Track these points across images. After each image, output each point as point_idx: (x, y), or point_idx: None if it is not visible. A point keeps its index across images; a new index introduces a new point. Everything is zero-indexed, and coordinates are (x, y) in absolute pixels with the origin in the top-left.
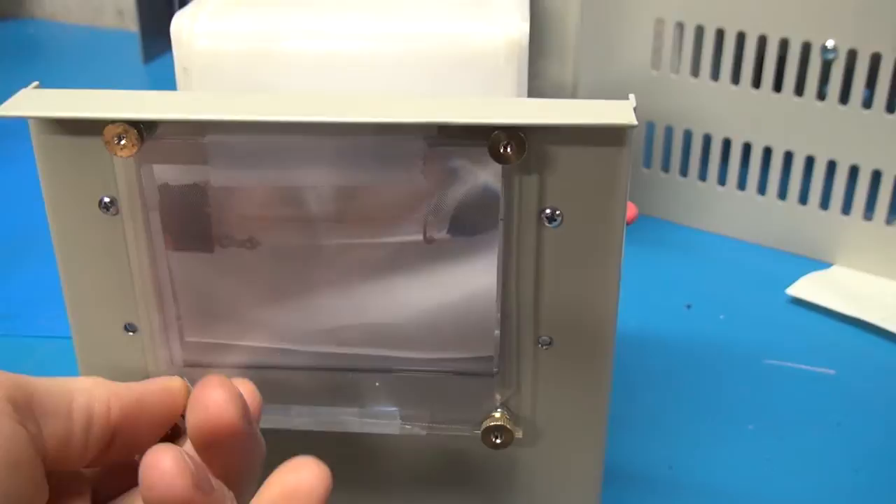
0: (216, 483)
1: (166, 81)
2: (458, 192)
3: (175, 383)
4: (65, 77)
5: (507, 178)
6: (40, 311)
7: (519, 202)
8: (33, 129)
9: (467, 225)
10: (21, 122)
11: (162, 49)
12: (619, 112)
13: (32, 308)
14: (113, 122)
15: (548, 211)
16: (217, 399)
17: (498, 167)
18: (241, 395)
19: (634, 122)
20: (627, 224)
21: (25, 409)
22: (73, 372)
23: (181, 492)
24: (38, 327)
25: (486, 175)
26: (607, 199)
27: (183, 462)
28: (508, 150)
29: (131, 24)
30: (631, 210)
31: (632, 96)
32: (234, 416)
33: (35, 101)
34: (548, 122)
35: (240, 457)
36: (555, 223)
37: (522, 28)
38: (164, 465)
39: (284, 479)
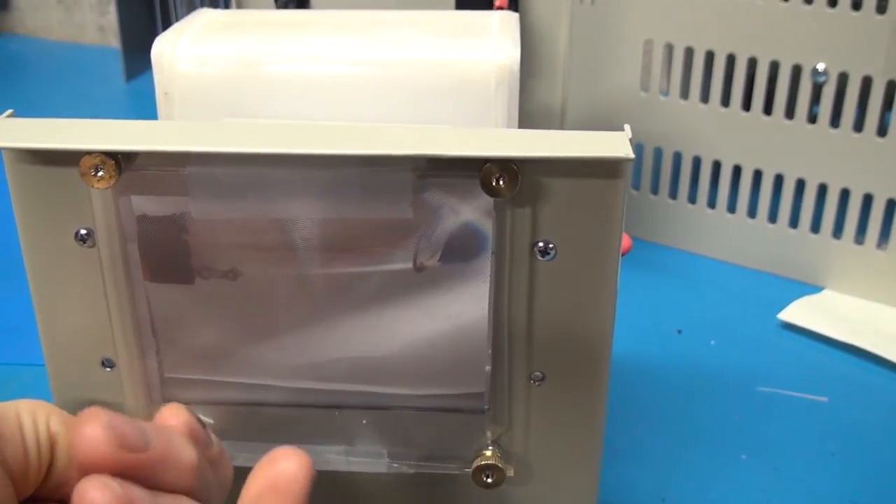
0: (158, 440)
1: (148, 98)
2: (447, 224)
3: None
4: (47, 94)
5: (498, 211)
6: (21, 337)
7: (511, 235)
8: (7, 160)
9: (456, 256)
10: None
11: (144, 67)
12: (615, 144)
13: (13, 335)
14: (89, 153)
15: (541, 244)
16: (88, 434)
17: (489, 200)
18: (117, 426)
19: (631, 154)
20: (622, 256)
21: None
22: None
23: (105, 453)
24: (16, 355)
25: (476, 207)
26: (602, 233)
27: (105, 427)
28: (501, 182)
29: (113, 40)
30: (625, 241)
31: (627, 127)
32: (104, 451)
33: (9, 131)
34: (542, 154)
35: (173, 480)
36: (548, 257)
37: (513, 54)
38: (87, 430)
39: (267, 472)
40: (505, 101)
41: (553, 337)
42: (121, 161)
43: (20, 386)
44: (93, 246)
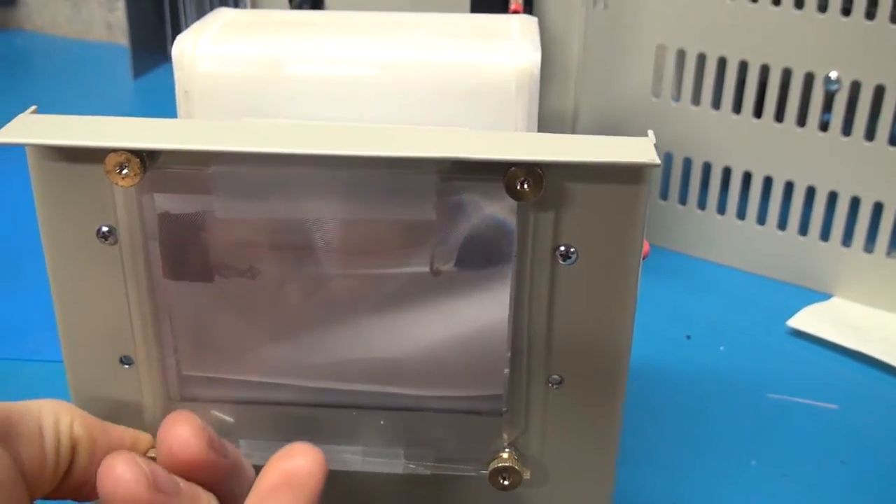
0: (185, 485)
1: (156, 95)
2: (469, 226)
3: (143, 435)
4: (55, 90)
5: (521, 215)
6: (26, 333)
7: (533, 239)
8: (31, 156)
9: (478, 258)
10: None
11: (152, 64)
12: (640, 150)
13: (18, 331)
14: (116, 150)
15: (562, 248)
16: (181, 434)
17: (513, 203)
18: (204, 427)
19: (657, 160)
20: (642, 260)
21: (5, 434)
22: (61, 395)
23: (138, 495)
24: (24, 350)
25: (500, 211)
26: (624, 238)
27: (136, 465)
28: (525, 186)
29: (121, 37)
30: (645, 247)
31: (651, 132)
32: (197, 450)
33: (34, 128)
34: (568, 159)
35: (214, 484)
36: (569, 261)
37: (534, 58)
38: (117, 470)
39: (281, 465)
40: (525, 105)
41: (572, 341)
42: (146, 159)
43: (24, 382)
44: (115, 243)
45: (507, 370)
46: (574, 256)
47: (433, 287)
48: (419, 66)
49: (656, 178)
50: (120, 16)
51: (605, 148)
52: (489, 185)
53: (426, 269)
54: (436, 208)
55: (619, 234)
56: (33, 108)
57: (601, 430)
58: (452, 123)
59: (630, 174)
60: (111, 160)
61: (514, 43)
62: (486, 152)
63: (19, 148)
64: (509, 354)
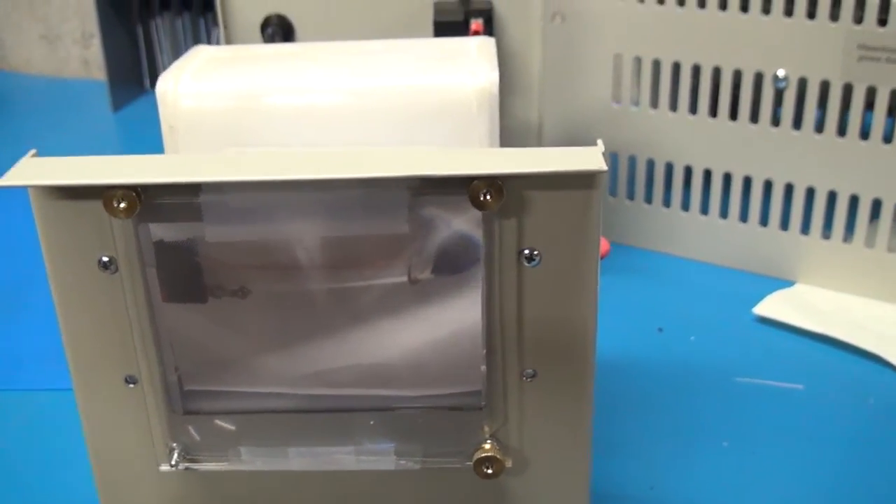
0: None
1: (136, 126)
2: (440, 237)
3: None
4: (37, 127)
5: (487, 223)
6: (34, 364)
7: (499, 245)
8: (33, 196)
9: (450, 266)
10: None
11: (130, 96)
12: (588, 158)
13: (26, 361)
14: (112, 187)
15: (527, 251)
16: None
17: (478, 213)
18: None
19: (604, 167)
20: (601, 259)
21: None
22: (67, 423)
23: None
24: (32, 380)
25: (466, 221)
26: (582, 238)
27: None
28: (488, 197)
29: (97, 73)
30: (604, 245)
31: (600, 141)
32: None
33: (36, 170)
34: (524, 170)
35: None
36: (534, 262)
37: (492, 77)
38: None
39: None
40: (486, 121)
41: (542, 336)
42: (140, 193)
43: (33, 412)
44: (115, 272)
45: (483, 367)
46: (538, 258)
47: (411, 295)
48: (386, 91)
49: (622, 181)
50: (95, 52)
51: (558, 158)
52: (455, 197)
53: (404, 279)
54: (408, 222)
55: (578, 235)
56: (32, 151)
57: (575, 417)
58: (421, 142)
59: (582, 180)
60: (109, 195)
61: (473, 64)
62: (450, 168)
63: (17, 189)
64: (484, 352)
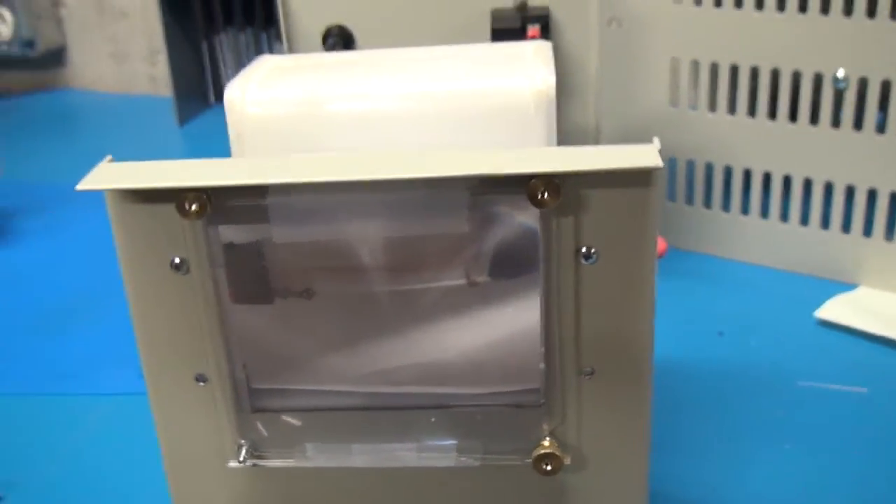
0: None
1: (202, 139)
2: (499, 237)
3: None
4: (108, 141)
5: (544, 221)
6: (97, 370)
7: (557, 243)
8: (110, 200)
9: (509, 267)
10: (67, 192)
11: (195, 111)
12: (644, 155)
13: (89, 367)
14: (184, 189)
15: (584, 249)
16: None
17: (536, 211)
18: None
19: (660, 163)
20: (658, 257)
21: None
22: (131, 428)
23: None
24: (95, 385)
25: (525, 219)
26: (639, 236)
27: None
28: (546, 195)
29: (163, 89)
30: (661, 244)
31: (656, 139)
32: None
33: (112, 175)
34: (580, 168)
35: None
36: (591, 260)
37: (549, 80)
38: None
39: None
40: (544, 123)
41: (599, 333)
42: (211, 196)
43: (98, 417)
44: (187, 272)
45: (542, 365)
46: (595, 256)
47: (471, 295)
48: (446, 95)
49: (680, 185)
50: (162, 69)
51: (614, 156)
52: (514, 196)
53: (463, 281)
54: (468, 221)
55: (635, 233)
56: (108, 157)
57: (633, 415)
58: (481, 144)
59: (638, 178)
60: (181, 198)
61: (530, 67)
62: (508, 167)
63: (89, 196)
64: (543, 350)
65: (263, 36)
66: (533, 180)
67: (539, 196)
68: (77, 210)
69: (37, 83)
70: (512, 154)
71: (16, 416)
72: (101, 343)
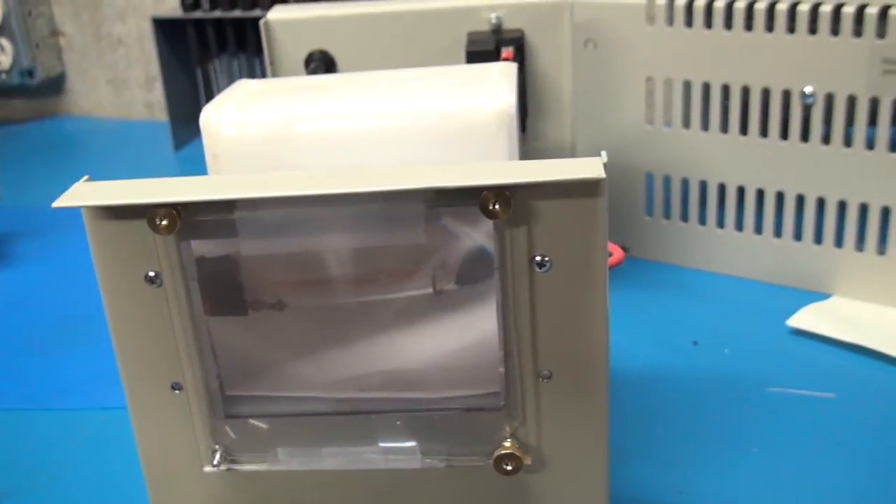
0: None
1: (196, 164)
2: (458, 248)
3: None
4: (105, 165)
5: (498, 232)
6: (92, 386)
7: (511, 252)
8: (86, 216)
9: (468, 274)
10: (65, 217)
11: (190, 136)
12: (590, 167)
13: (86, 384)
14: (156, 205)
15: (538, 258)
16: None
17: (489, 222)
18: None
19: (603, 175)
20: (615, 266)
21: None
22: (124, 440)
23: None
24: (91, 400)
25: (480, 230)
26: (589, 244)
27: None
28: (496, 206)
29: (160, 115)
30: (617, 253)
31: (603, 153)
32: None
33: (88, 192)
34: (528, 180)
35: None
36: (544, 268)
37: (510, 100)
38: None
39: None
40: (506, 140)
41: (556, 338)
42: (181, 211)
43: (92, 430)
44: (160, 286)
45: (501, 369)
46: (548, 264)
47: (433, 304)
48: (413, 114)
49: (658, 200)
50: (158, 95)
51: (561, 168)
52: (467, 208)
53: (428, 290)
54: (426, 233)
55: (584, 241)
56: (85, 177)
57: (590, 416)
58: (446, 161)
59: (585, 188)
60: (153, 214)
61: (493, 87)
62: (458, 181)
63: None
64: (502, 354)
65: (256, 61)
66: (484, 192)
67: (490, 207)
68: (73, 234)
69: (36, 111)
70: (465, 168)
71: (15, 431)
72: (95, 360)
